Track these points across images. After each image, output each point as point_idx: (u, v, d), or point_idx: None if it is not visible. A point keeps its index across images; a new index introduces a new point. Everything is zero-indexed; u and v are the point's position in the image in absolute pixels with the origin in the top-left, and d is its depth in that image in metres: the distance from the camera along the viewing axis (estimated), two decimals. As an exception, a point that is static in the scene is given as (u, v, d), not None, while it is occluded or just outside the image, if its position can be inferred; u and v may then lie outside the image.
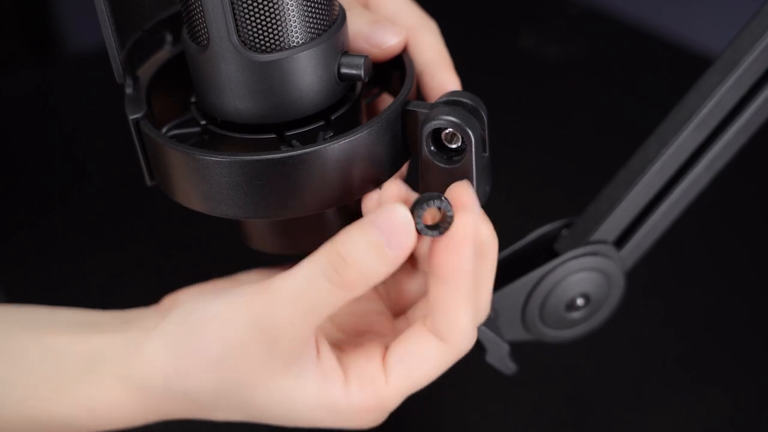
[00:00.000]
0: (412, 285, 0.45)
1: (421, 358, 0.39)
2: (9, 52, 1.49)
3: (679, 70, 1.04)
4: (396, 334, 0.42)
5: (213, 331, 0.38)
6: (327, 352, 0.40)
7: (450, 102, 0.41)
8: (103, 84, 0.58)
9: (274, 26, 0.39)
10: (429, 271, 0.39)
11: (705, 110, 0.43)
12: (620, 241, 0.46)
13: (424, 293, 0.44)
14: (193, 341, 0.39)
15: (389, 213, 0.36)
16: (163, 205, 0.51)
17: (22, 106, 1.11)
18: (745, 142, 0.45)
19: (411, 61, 0.44)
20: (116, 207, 0.92)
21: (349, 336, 0.44)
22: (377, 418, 0.40)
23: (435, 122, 0.39)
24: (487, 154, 0.41)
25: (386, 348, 0.41)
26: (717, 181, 0.45)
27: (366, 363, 0.40)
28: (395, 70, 0.46)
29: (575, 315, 0.47)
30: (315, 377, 0.39)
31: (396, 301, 0.46)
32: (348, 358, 0.40)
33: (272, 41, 0.39)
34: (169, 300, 0.46)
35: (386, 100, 0.48)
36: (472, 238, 0.37)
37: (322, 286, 0.36)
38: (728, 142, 0.44)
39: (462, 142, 0.40)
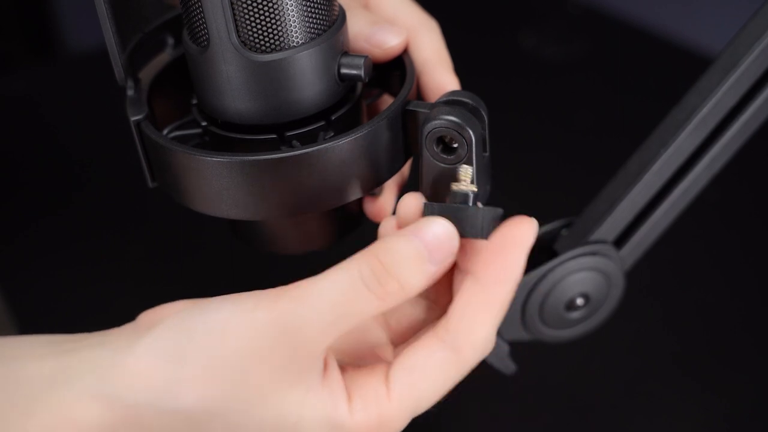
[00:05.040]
0: (414, 312, 0.42)
1: (428, 368, 0.36)
2: (9, 52, 1.49)
3: (679, 70, 1.04)
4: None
5: (219, 337, 0.34)
6: (334, 367, 0.37)
7: (450, 102, 0.41)
8: (103, 85, 0.58)
9: (274, 26, 0.39)
10: (470, 275, 0.36)
11: (705, 110, 0.43)
12: (620, 241, 0.46)
13: (424, 322, 0.42)
14: (191, 349, 0.34)
15: (434, 226, 0.35)
16: (165, 206, 0.51)
17: (22, 106, 1.11)
18: (744, 142, 0.45)
19: (411, 62, 0.44)
20: (117, 208, 0.92)
21: (350, 358, 0.41)
22: None
23: (435, 122, 0.39)
24: (487, 154, 0.41)
25: (388, 368, 0.38)
26: (717, 181, 0.45)
27: (368, 379, 0.37)
28: (396, 70, 0.46)
29: (575, 315, 0.47)
30: (322, 392, 0.36)
31: (396, 329, 0.42)
32: (350, 376, 0.37)
33: (272, 41, 0.39)
34: (147, 316, 0.38)
35: (387, 102, 0.48)
36: (527, 246, 0.36)
37: (360, 293, 0.34)
38: (728, 142, 0.44)
39: (463, 142, 0.40)
